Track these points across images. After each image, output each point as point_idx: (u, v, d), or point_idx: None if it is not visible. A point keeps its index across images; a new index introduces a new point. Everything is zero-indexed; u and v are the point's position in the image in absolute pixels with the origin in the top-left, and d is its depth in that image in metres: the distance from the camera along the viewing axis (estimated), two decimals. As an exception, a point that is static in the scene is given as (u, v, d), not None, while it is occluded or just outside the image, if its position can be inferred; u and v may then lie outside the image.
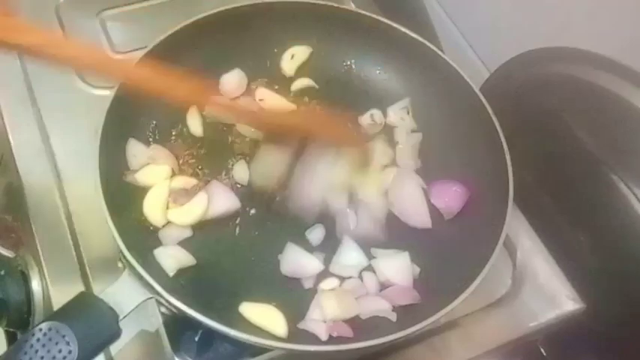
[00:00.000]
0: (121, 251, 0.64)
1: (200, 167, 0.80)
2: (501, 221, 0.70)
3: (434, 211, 0.79)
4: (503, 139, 0.76)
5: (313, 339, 0.67)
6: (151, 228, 0.73)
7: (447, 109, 0.84)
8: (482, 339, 0.76)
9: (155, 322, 0.72)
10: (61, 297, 0.70)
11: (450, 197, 0.78)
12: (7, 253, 0.78)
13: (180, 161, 0.80)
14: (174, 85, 0.69)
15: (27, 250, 0.78)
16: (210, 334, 0.70)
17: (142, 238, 0.71)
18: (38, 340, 0.57)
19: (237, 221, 0.77)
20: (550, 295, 0.80)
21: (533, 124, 0.87)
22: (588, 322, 0.80)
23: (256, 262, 0.74)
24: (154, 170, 0.77)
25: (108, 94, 0.73)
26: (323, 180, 0.76)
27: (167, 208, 0.75)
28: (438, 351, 0.75)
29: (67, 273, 0.74)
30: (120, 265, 0.72)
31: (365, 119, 0.86)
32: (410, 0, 1.11)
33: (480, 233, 0.72)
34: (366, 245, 0.76)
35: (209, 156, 0.81)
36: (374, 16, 0.86)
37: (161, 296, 0.62)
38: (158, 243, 0.72)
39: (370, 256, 0.75)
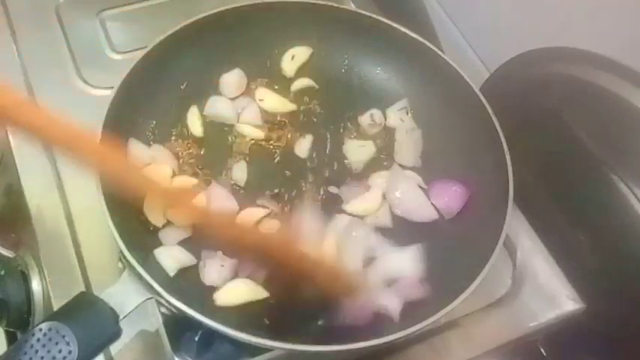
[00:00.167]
0: (121, 251, 0.63)
1: (200, 167, 0.80)
2: (501, 221, 0.70)
3: (434, 208, 0.79)
4: (503, 139, 0.76)
5: (313, 339, 0.67)
6: (151, 228, 0.73)
7: (447, 109, 0.84)
8: (483, 339, 0.76)
9: (155, 322, 0.72)
10: (61, 297, 0.71)
11: (450, 197, 0.78)
12: (7, 253, 0.78)
13: (180, 161, 0.80)
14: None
15: (27, 250, 0.78)
16: (210, 334, 0.70)
17: (142, 238, 0.71)
18: (38, 340, 0.57)
19: (237, 221, 0.77)
20: (550, 295, 0.80)
21: (533, 124, 0.87)
22: (588, 322, 0.80)
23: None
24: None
25: (108, 94, 0.74)
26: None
27: (167, 208, 0.75)
28: (438, 351, 0.75)
29: (67, 273, 0.74)
30: (120, 265, 0.73)
31: (365, 119, 0.86)
32: (410, 0, 1.11)
33: (479, 233, 0.72)
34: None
35: (209, 156, 0.81)
36: (374, 16, 0.86)
37: (161, 296, 0.62)
38: (158, 243, 0.72)
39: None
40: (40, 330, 0.57)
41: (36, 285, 0.75)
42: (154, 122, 0.81)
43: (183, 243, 0.73)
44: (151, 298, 0.63)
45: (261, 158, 0.82)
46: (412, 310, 0.69)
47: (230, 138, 0.84)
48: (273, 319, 0.69)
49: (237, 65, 0.87)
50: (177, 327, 0.71)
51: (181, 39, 0.80)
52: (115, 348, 0.68)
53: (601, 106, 0.80)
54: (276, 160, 0.83)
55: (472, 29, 1.06)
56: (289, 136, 0.84)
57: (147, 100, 0.80)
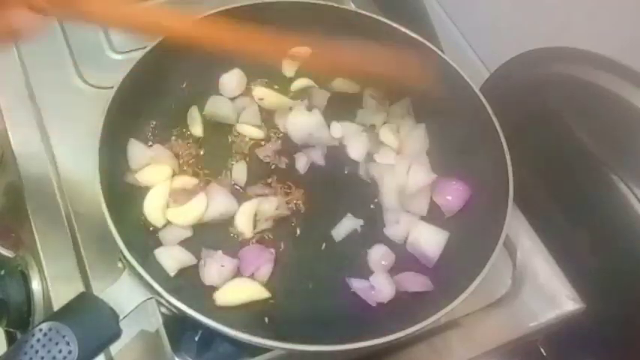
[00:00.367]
0: (121, 251, 0.64)
1: (200, 167, 0.80)
2: (501, 221, 0.70)
3: (434, 210, 0.79)
4: (503, 139, 0.76)
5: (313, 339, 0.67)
6: (151, 228, 0.73)
7: (447, 109, 0.84)
8: (483, 339, 0.76)
9: (155, 322, 0.72)
10: (61, 297, 0.71)
11: (452, 194, 0.78)
12: (7, 253, 0.78)
13: (180, 161, 0.80)
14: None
15: (27, 250, 0.78)
16: (210, 334, 0.70)
17: (142, 238, 0.71)
18: (38, 340, 0.57)
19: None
20: (550, 295, 0.80)
21: (533, 124, 0.87)
22: (588, 322, 0.80)
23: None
24: (154, 170, 0.77)
25: (108, 94, 0.73)
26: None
27: (167, 208, 0.75)
28: (439, 351, 0.75)
29: (67, 273, 0.74)
30: (120, 265, 0.72)
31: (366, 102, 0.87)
32: (410, 0, 1.11)
33: (480, 233, 0.72)
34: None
35: (209, 156, 0.81)
36: (374, 16, 0.86)
37: (161, 296, 0.62)
38: (158, 243, 0.72)
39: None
40: (40, 330, 0.57)
41: (36, 285, 0.75)
42: (154, 122, 0.81)
43: (183, 243, 0.73)
44: (151, 298, 0.63)
45: (261, 158, 0.82)
46: (412, 310, 0.69)
47: (230, 138, 0.84)
48: (273, 319, 0.70)
49: (236, 65, 0.87)
50: (177, 327, 0.71)
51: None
52: (115, 348, 0.68)
53: (601, 106, 0.80)
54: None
55: (472, 29, 1.06)
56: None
57: (147, 100, 0.80)
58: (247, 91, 0.87)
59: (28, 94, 0.88)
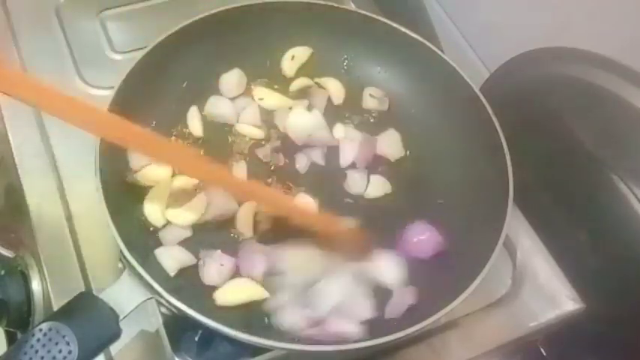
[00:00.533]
0: (121, 251, 0.63)
1: (200, 167, 0.80)
2: (501, 221, 0.70)
3: (434, 208, 0.79)
4: (503, 139, 0.76)
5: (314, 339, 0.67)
6: (151, 228, 0.73)
7: (447, 109, 0.84)
8: (482, 339, 0.76)
9: (155, 322, 0.72)
10: (61, 297, 0.71)
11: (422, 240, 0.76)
12: (7, 253, 0.78)
13: (181, 161, 0.80)
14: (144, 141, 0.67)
15: (27, 250, 0.78)
16: (210, 334, 0.70)
17: (142, 238, 0.71)
18: (38, 340, 0.57)
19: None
20: (550, 295, 0.80)
21: (533, 124, 0.87)
22: (588, 322, 0.80)
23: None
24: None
25: (108, 94, 0.73)
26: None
27: (167, 208, 0.75)
28: (438, 351, 0.75)
29: (67, 273, 0.74)
30: (120, 265, 0.73)
31: (366, 101, 0.87)
32: (410, 0, 1.11)
33: (480, 233, 0.72)
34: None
35: (209, 156, 0.81)
36: (374, 16, 0.86)
37: (161, 296, 0.62)
38: (158, 243, 0.72)
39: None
40: (40, 330, 0.57)
41: (36, 285, 0.75)
42: (154, 122, 0.81)
43: (183, 243, 0.73)
44: (151, 298, 0.63)
45: (260, 158, 0.82)
46: (412, 311, 0.69)
47: (230, 138, 0.84)
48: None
49: (236, 65, 0.87)
50: (177, 327, 0.71)
51: (181, 39, 0.80)
52: (115, 348, 0.68)
53: (601, 106, 0.80)
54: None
55: (472, 29, 1.06)
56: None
57: (147, 100, 0.80)
58: (247, 91, 0.87)
59: (28, 94, 0.88)
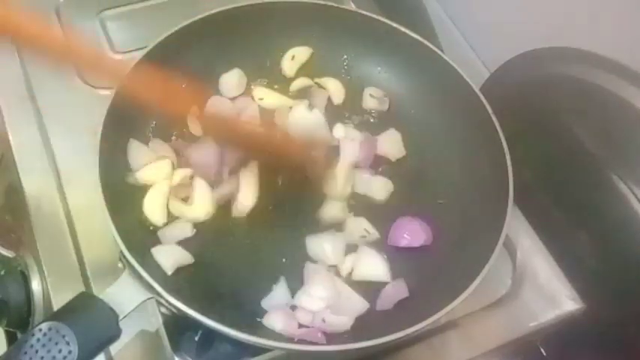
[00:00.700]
0: (121, 251, 0.64)
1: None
2: (501, 221, 0.70)
3: (434, 208, 0.79)
4: (503, 139, 0.76)
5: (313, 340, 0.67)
6: (151, 228, 0.73)
7: (447, 109, 0.84)
8: (482, 339, 0.76)
9: (155, 322, 0.72)
10: (61, 297, 0.70)
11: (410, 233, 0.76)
12: (7, 253, 0.78)
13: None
14: (170, 89, 0.68)
15: (27, 250, 0.78)
16: (210, 334, 0.70)
17: (142, 237, 0.71)
18: (38, 340, 0.57)
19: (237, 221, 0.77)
20: (550, 295, 0.80)
21: (533, 124, 0.87)
22: (588, 322, 0.80)
23: (257, 261, 0.74)
24: (154, 168, 0.77)
25: (108, 94, 0.73)
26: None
27: (167, 205, 0.75)
28: (438, 351, 0.75)
29: (67, 273, 0.74)
30: (120, 265, 0.72)
31: (366, 101, 0.87)
32: (410, 0, 1.11)
33: (480, 233, 0.72)
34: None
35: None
36: (374, 16, 0.86)
37: (161, 296, 0.62)
38: (158, 243, 0.72)
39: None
40: (40, 330, 0.57)
41: (36, 285, 0.75)
42: (154, 122, 0.81)
43: (184, 243, 0.73)
44: (150, 298, 0.63)
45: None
46: (412, 311, 0.69)
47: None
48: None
49: (236, 65, 0.87)
50: (177, 327, 0.71)
51: (181, 39, 0.80)
52: (115, 348, 0.68)
53: (601, 106, 0.80)
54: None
55: (472, 29, 1.06)
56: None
57: (146, 102, 0.80)
58: (247, 91, 0.87)
59: (28, 94, 0.88)
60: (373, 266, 0.74)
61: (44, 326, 0.58)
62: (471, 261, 0.69)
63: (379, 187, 0.81)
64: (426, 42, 0.84)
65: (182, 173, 0.77)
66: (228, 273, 0.73)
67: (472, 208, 0.77)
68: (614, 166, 0.78)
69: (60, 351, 0.57)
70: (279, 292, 0.71)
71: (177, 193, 0.76)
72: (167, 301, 0.62)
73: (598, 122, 0.81)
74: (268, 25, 0.86)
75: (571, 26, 0.88)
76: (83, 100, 0.88)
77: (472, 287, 0.65)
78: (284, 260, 0.75)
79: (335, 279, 0.72)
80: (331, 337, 0.67)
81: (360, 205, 0.80)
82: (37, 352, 0.57)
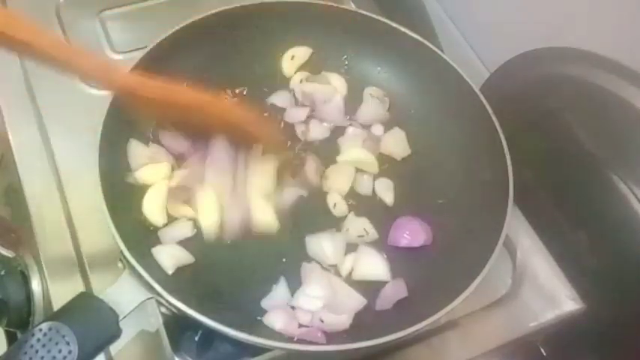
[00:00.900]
0: (121, 251, 0.64)
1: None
2: (501, 221, 0.70)
3: (434, 208, 0.79)
4: (503, 139, 0.76)
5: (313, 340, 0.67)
6: (151, 228, 0.73)
7: (447, 109, 0.84)
8: (482, 339, 0.76)
9: (155, 322, 0.72)
10: (61, 297, 0.71)
11: (411, 231, 0.77)
12: (7, 253, 0.78)
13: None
14: (169, 94, 0.68)
15: (27, 250, 0.78)
16: (210, 334, 0.70)
17: (141, 237, 0.71)
18: (38, 340, 0.57)
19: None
20: (550, 295, 0.80)
21: (533, 124, 0.87)
22: (588, 322, 0.80)
23: (257, 261, 0.74)
24: (153, 169, 0.77)
25: (108, 94, 0.73)
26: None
27: (167, 207, 0.75)
28: (438, 351, 0.75)
29: (67, 273, 0.74)
30: (120, 265, 0.72)
31: (366, 100, 0.87)
32: (410, 0, 1.11)
33: (480, 233, 0.72)
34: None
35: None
36: (374, 16, 0.86)
37: (161, 296, 0.62)
38: (158, 243, 0.72)
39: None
40: (40, 330, 0.57)
41: (36, 285, 0.75)
42: (155, 122, 0.81)
43: (184, 243, 0.73)
44: (150, 298, 0.63)
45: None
46: (412, 310, 0.69)
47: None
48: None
49: (236, 65, 0.86)
50: (177, 327, 0.71)
51: (181, 39, 0.80)
52: (115, 348, 0.68)
53: (601, 106, 0.80)
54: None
55: (472, 29, 1.06)
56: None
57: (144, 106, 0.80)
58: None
59: (28, 94, 0.88)
60: (373, 265, 0.74)
61: (44, 326, 0.58)
62: (471, 261, 0.69)
63: (383, 189, 0.81)
64: (426, 42, 0.84)
65: (181, 174, 0.77)
66: (228, 273, 0.73)
67: (472, 208, 0.77)
68: (614, 166, 0.78)
69: (60, 351, 0.57)
70: (279, 292, 0.71)
71: (177, 195, 0.75)
72: (167, 301, 0.62)
73: (598, 122, 0.81)
74: (268, 25, 0.86)
75: (571, 26, 0.88)
76: (83, 100, 0.88)
77: (472, 287, 0.65)
78: (284, 260, 0.74)
79: (331, 277, 0.72)
80: (331, 337, 0.67)
81: (360, 205, 0.80)
82: (37, 352, 0.57)
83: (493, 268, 0.67)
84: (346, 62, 0.90)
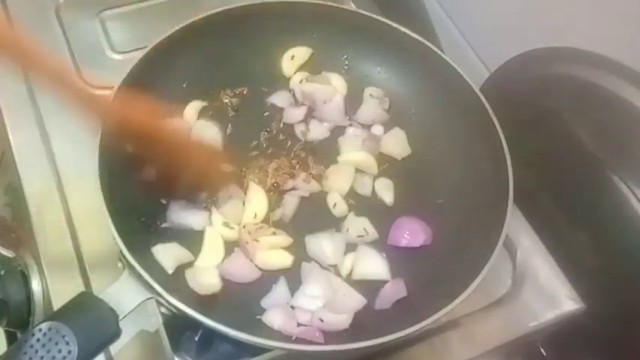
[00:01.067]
0: (120, 251, 0.64)
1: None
2: (501, 221, 0.70)
3: (434, 208, 0.79)
4: (503, 139, 0.76)
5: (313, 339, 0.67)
6: (152, 228, 0.73)
7: (447, 109, 0.84)
8: (483, 339, 0.76)
9: (155, 322, 0.72)
10: (61, 297, 0.70)
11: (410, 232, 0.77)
12: (7, 253, 0.78)
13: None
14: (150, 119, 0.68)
15: (27, 250, 0.78)
16: (210, 334, 0.70)
17: (142, 237, 0.71)
18: (38, 340, 0.57)
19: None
20: (550, 295, 0.80)
21: (533, 124, 0.87)
22: (588, 322, 0.80)
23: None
24: None
25: (108, 94, 0.73)
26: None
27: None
28: (438, 351, 0.75)
29: (67, 273, 0.74)
30: (120, 265, 0.72)
31: (366, 100, 0.87)
32: (410, 0, 1.11)
33: (480, 233, 0.72)
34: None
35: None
36: (374, 16, 0.86)
37: (161, 296, 0.62)
38: (158, 242, 0.72)
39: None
40: (40, 330, 0.57)
41: (36, 285, 0.75)
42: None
43: (182, 242, 0.73)
44: (150, 297, 0.63)
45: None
46: (412, 310, 0.69)
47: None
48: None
49: (236, 65, 0.86)
50: (177, 327, 0.71)
51: (181, 39, 0.80)
52: (115, 348, 0.68)
53: (601, 106, 0.80)
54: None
55: (472, 29, 1.06)
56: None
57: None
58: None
59: (28, 94, 0.88)
60: (373, 264, 0.74)
61: (44, 326, 0.58)
62: (471, 261, 0.69)
63: (382, 189, 0.81)
64: (426, 42, 0.84)
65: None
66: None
67: (472, 208, 0.77)
68: (614, 166, 0.77)
69: (60, 351, 0.57)
70: (278, 292, 0.71)
71: None
72: (167, 301, 0.62)
73: (598, 122, 0.81)
74: (268, 25, 0.86)
75: (571, 26, 0.87)
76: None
77: (472, 287, 0.65)
78: (284, 260, 0.75)
79: (331, 277, 0.72)
80: (331, 337, 0.67)
81: (360, 204, 0.80)
82: (37, 352, 0.57)
83: (493, 268, 0.67)
84: (346, 62, 0.90)
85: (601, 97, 0.79)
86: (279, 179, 0.80)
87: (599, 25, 0.84)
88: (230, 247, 0.74)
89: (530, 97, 0.88)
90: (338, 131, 0.86)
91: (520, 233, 0.84)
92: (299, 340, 0.66)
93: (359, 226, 0.77)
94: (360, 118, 0.87)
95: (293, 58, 0.89)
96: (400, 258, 0.75)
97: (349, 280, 0.73)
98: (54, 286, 0.73)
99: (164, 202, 0.75)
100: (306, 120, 0.86)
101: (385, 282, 0.73)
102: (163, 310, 0.71)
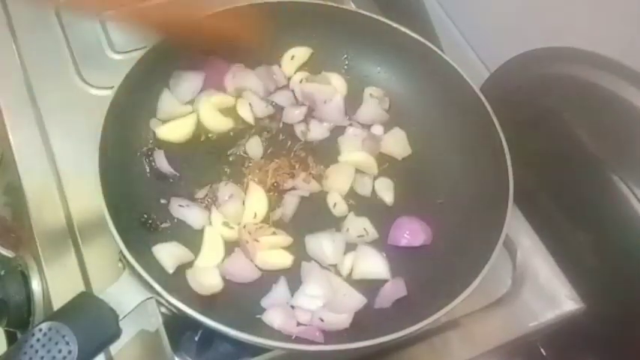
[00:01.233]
0: (120, 251, 0.64)
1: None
2: (501, 221, 0.70)
3: (434, 208, 0.79)
4: (503, 139, 0.76)
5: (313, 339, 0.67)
6: (152, 229, 0.73)
7: (447, 109, 0.84)
8: (483, 339, 0.76)
9: (155, 322, 0.72)
10: (61, 297, 0.70)
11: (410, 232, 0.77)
12: (7, 253, 0.78)
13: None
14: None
15: (27, 250, 0.78)
16: (210, 334, 0.70)
17: (142, 237, 0.71)
18: (38, 340, 0.57)
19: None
20: (550, 295, 0.80)
21: (533, 124, 0.87)
22: (588, 322, 0.80)
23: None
24: (176, 127, 0.80)
25: (108, 94, 0.74)
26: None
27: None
28: (438, 351, 0.75)
29: (67, 273, 0.74)
30: (120, 265, 0.72)
31: (366, 100, 0.87)
32: (410, 0, 1.11)
33: (480, 233, 0.72)
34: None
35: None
36: (374, 16, 0.86)
37: (161, 296, 0.62)
38: (158, 242, 0.72)
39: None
40: (40, 330, 0.57)
41: (36, 285, 0.75)
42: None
43: (183, 241, 0.73)
44: (150, 297, 0.63)
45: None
46: (412, 310, 0.69)
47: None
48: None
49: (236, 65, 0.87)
50: (177, 327, 0.71)
51: (181, 39, 0.80)
52: (115, 348, 0.68)
53: (601, 106, 0.80)
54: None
55: (472, 29, 1.06)
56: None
57: (147, 100, 0.80)
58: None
59: (28, 94, 0.88)
60: (372, 264, 0.74)
61: (44, 326, 0.58)
62: (471, 261, 0.69)
63: (382, 189, 0.81)
64: (426, 42, 0.84)
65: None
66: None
67: (472, 208, 0.77)
68: (614, 166, 0.78)
69: (60, 351, 0.57)
70: (278, 292, 0.71)
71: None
72: (167, 301, 0.62)
73: (598, 122, 0.81)
74: (268, 25, 0.86)
75: (571, 26, 0.87)
76: (83, 100, 0.88)
77: (472, 287, 0.65)
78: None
79: (331, 276, 0.72)
80: (331, 336, 0.67)
81: (360, 204, 0.80)
82: (37, 352, 0.57)
83: (493, 268, 0.67)
84: (346, 62, 0.90)
85: (601, 97, 0.79)
86: (279, 179, 0.80)
87: (599, 25, 0.84)
88: (230, 247, 0.74)
89: (530, 97, 0.88)
90: (338, 131, 0.86)
91: (520, 233, 0.84)
92: (299, 340, 0.66)
93: (359, 225, 0.77)
94: (360, 118, 0.87)
95: (293, 58, 0.89)
96: (400, 258, 0.75)
97: (349, 279, 0.73)
98: (54, 286, 0.73)
99: (164, 201, 0.76)
100: (306, 120, 0.86)
101: (385, 281, 0.73)
102: (163, 310, 0.71)
